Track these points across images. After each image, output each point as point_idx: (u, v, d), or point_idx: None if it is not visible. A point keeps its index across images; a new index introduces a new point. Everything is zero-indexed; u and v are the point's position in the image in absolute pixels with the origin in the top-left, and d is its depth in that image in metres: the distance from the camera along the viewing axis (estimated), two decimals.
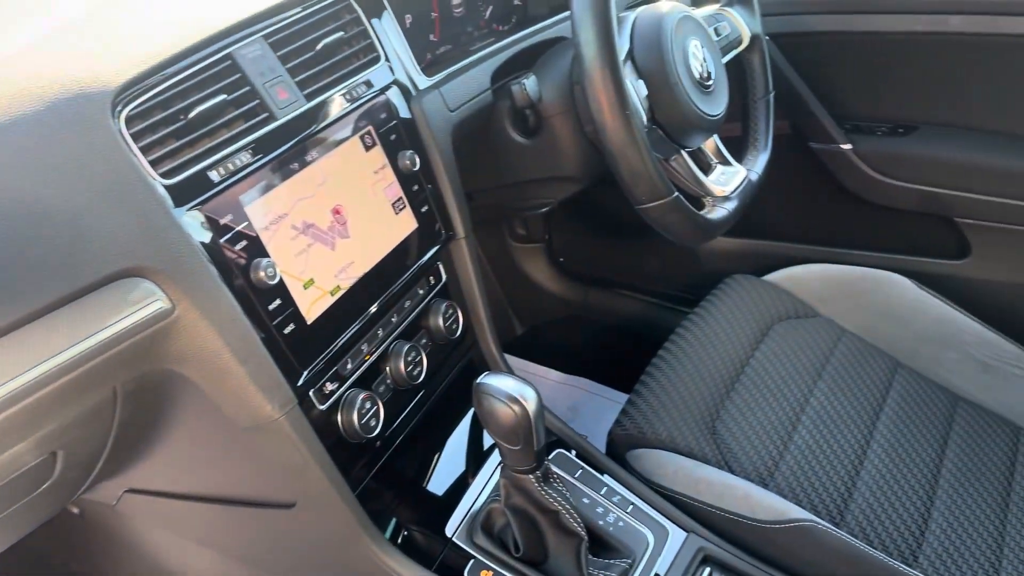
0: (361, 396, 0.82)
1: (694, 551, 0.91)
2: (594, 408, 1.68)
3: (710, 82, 1.04)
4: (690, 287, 1.62)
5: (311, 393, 0.78)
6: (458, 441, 0.97)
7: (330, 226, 0.81)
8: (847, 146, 1.38)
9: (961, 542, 0.99)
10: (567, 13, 1.24)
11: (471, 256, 1.00)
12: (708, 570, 0.90)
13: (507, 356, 1.67)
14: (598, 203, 1.61)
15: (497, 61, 1.10)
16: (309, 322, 0.77)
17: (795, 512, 0.93)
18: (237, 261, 0.71)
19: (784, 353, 1.20)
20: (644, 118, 0.94)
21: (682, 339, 1.22)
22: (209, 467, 0.88)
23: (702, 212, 1.04)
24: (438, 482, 0.92)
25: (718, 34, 1.13)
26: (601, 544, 0.91)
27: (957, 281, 1.37)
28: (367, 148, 0.87)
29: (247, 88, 0.76)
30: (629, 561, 0.89)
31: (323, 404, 0.79)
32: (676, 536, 0.93)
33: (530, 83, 1.00)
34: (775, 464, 1.04)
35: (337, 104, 0.84)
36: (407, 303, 0.92)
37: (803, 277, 1.34)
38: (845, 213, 1.44)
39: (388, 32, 0.96)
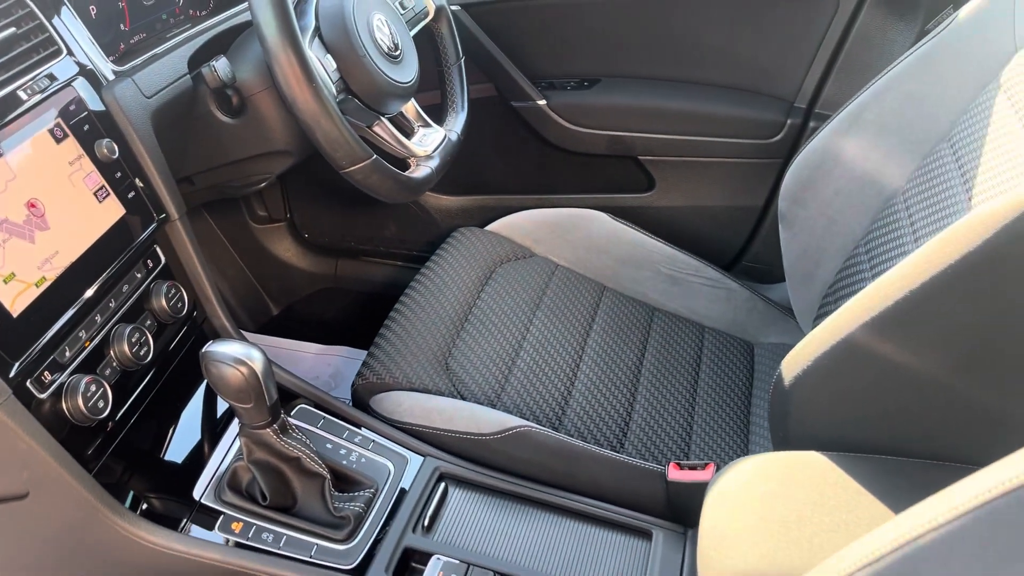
0: (84, 380, 0.84)
1: (431, 471, 1.02)
2: (355, 372, 1.76)
3: (398, 52, 1.13)
4: (427, 245, 1.73)
5: (28, 383, 0.79)
6: (196, 411, 1.01)
7: (26, 219, 0.82)
8: (542, 102, 1.54)
9: (659, 425, 1.18)
10: None
11: (188, 237, 1.04)
12: (444, 485, 1.02)
13: (265, 336, 1.71)
14: (333, 177, 1.68)
15: (194, 46, 1.13)
16: (15, 315, 0.79)
17: (514, 421, 1.07)
18: None
19: (506, 291, 1.34)
20: (334, 89, 1.02)
21: (415, 291, 1.32)
22: None
23: (407, 172, 1.14)
24: (181, 452, 0.96)
25: (404, 7, 1.23)
26: (347, 480, 1.00)
27: (646, 211, 1.58)
28: (58, 140, 0.88)
29: None
30: (373, 490, 0.99)
31: (43, 393, 0.81)
32: (414, 462, 1.04)
33: (220, 65, 1.04)
34: (501, 387, 1.17)
35: (17, 99, 0.85)
36: (125, 287, 0.94)
37: (518, 223, 1.49)
38: (549, 162, 1.61)
39: (69, 24, 0.97)
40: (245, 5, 1.26)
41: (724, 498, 0.85)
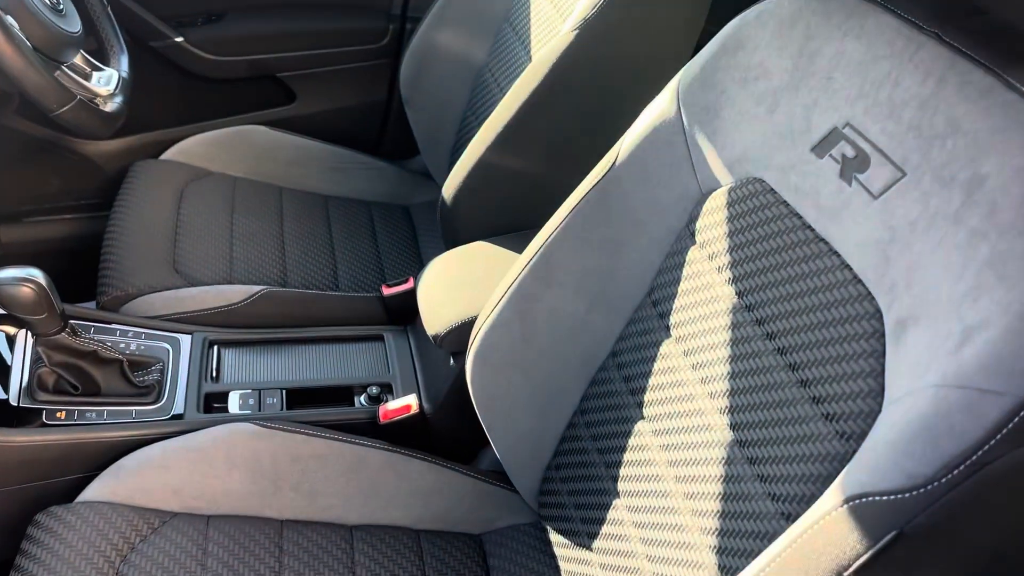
0: None
1: (201, 341, 1.27)
2: None
3: (61, 6, 1.28)
4: (97, 191, 1.83)
5: None
6: None
7: None
8: (180, 39, 1.73)
9: (357, 268, 1.52)
10: None
11: None
12: (216, 348, 1.27)
13: None
14: None
15: None
16: None
17: (254, 288, 1.35)
18: None
19: (202, 204, 1.57)
20: (29, 45, 1.16)
21: (119, 219, 1.48)
22: None
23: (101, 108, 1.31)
24: None
25: None
26: (136, 364, 1.20)
27: (296, 119, 1.87)
28: None
29: None
30: (161, 366, 1.21)
31: None
32: (185, 339, 1.27)
33: None
34: (230, 269, 1.42)
35: None
36: None
37: (189, 148, 1.69)
38: (199, 92, 1.81)
39: None
40: None
41: (429, 284, 1.23)
